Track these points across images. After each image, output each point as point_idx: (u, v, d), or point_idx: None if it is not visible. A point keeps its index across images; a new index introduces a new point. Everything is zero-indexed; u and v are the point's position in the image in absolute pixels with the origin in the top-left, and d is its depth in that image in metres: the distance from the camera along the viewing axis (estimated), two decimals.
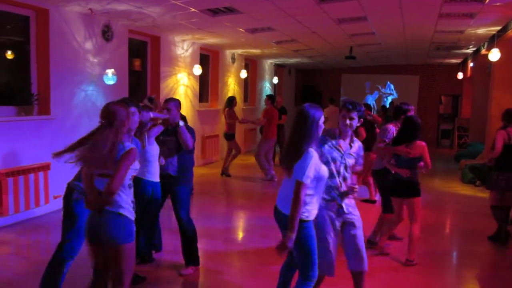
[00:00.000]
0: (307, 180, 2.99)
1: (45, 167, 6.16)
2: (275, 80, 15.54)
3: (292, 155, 3.09)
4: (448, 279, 4.76)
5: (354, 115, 3.44)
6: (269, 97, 9.67)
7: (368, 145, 6.65)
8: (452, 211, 7.64)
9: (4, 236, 5.40)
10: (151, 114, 4.02)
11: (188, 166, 4.35)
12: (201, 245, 4.68)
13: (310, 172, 3.00)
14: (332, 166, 3.42)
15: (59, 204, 2.94)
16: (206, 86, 11.77)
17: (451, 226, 6.96)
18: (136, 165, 2.94)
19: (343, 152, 3.47)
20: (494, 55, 8.63)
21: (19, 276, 4.31)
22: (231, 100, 9.74)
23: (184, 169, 4.29)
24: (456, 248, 5.94)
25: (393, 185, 4.79)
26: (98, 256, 2.92)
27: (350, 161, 3.51)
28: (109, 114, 2.82)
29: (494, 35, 9.17)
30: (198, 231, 4.44)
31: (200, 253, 4.48)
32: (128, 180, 2.87)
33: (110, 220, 2.79)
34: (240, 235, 6.15)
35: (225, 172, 9.64)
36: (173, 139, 4.23)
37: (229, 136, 9.63)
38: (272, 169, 9.31)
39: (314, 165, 3.03)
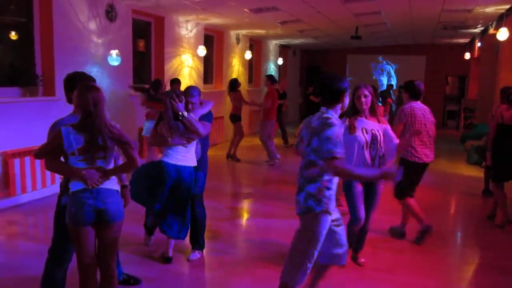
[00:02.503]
0: None
1: None
2: (280, 61, 15.42)
3: None
4: (451, 259, 4.78)
5: None
6: (269, 77, 9.54)
7: None
8: (456, 192, 7.64)
9: (12, 217, 5.47)
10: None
11: (205, 150, 4.36)
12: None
13: None
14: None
15: None
16: (211, 67, 11.71)
17: (456, 207, 6.97)
18: None
19: None
20: (502, 34, 8.50)
21: (27, 255, 4.36)
22: (233, 83, 9.46)
23: (203, 154, 4.30)
24: (459, 228, 5.96)
25: None
26: (90, 238, 2.86)
27: None
28: (94, 102, 2.78)
29: (502, 14, 9.02)
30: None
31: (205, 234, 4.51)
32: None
33: (113, 198, 2.85)
34: (244, 216, 6.19)
35: (232, 157, 9.54)
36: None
37: (234, 117, 9.49)
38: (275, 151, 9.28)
39: None
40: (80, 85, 2.89)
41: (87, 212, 2.78)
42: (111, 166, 2.91)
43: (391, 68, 17.94)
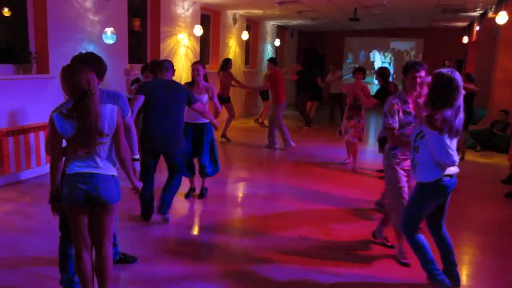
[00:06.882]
0: None
1: (45, 127, 6.14)
2: (277, 42, 15.29)
3: None
4: None
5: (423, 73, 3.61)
6: (271, 60, 9.43)
7: None
8: None
9: (6, 195, 5.46)
10: None
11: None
12: (201, 206, 4.70)
13: None
14: None
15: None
16: (207, 48, 11.60)
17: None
18: None
19: None
20: (502, 18, 8.43)
21: (22, 233, 4.36)
22: (226, 63, 9.49)
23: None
24: (455, 212, 5.98)
25: None
26: (82, 218, 2.85)
27: None
28: (87, 82, 2.68)
29: None
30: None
31: (202, 214, 4.53)
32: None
33: (107, 183, 2.79)
34: (236, 198, 6.20)
35: (224, 136, 9.56)
36: None
37: (223, 99, 9.27)
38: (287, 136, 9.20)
39: None
40: (65, 67, 2.76)
41: (78, 195, 2.77)
42: (111, 150, 2.84)
43: (383, 57, 18.01)
